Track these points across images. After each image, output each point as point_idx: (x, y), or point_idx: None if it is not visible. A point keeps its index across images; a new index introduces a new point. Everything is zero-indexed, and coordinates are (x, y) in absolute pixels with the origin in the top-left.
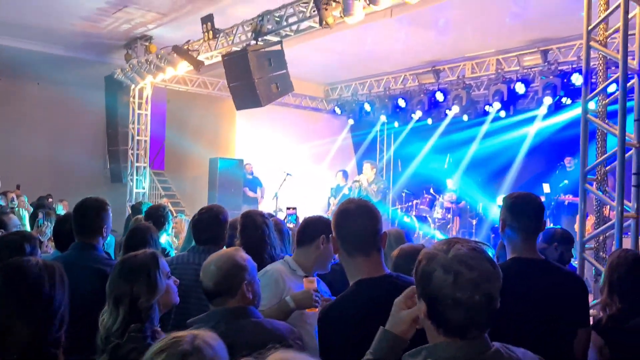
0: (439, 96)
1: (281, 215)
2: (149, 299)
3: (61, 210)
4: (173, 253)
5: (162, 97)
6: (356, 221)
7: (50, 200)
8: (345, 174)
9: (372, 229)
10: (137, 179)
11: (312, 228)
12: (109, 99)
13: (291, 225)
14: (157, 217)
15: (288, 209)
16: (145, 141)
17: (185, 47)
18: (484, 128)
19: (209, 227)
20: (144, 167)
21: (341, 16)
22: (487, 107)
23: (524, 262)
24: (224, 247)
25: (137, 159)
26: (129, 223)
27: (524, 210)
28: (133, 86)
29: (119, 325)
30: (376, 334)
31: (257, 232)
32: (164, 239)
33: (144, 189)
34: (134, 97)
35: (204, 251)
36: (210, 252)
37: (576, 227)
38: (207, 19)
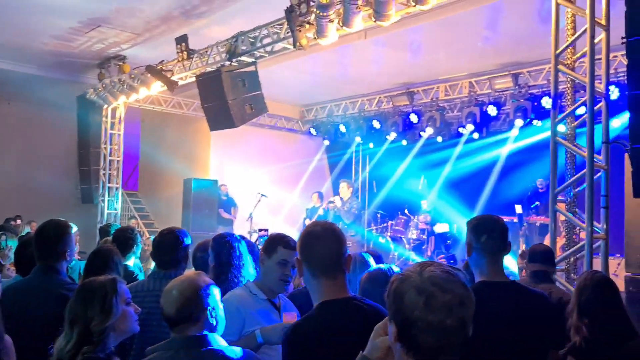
0: (413, 118)
1: (254, 237)
2: (102, 323)
3: (29, 232)
4: (143, 277)
5: (136, 117)
6: (321, 244)
7: (19, 221)
8: (320, 195)
9: (336, 252)
10: (109, 200)
11: (262, 248)
12: (81, 118)
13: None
14: (125, 239)
15: (260, 230)
16: (118, 161)
17: (159, 67)
18: (458, 149)
19: (169, 250)
20: (116, 188)
21: (315, 38)
22: (460, 129)
23: (492, 285)
24: (187, 270)
25: (110, 179)
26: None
27: (488, 232)
28: (106, 106)
29: (71, 347)
30: (339, 356)
31: (229, 255)
32: (132, 262)
33: (116, 210)
34: (106, 117)
35: (165, 276)
36: (171, 277)
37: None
38: (182, 40)
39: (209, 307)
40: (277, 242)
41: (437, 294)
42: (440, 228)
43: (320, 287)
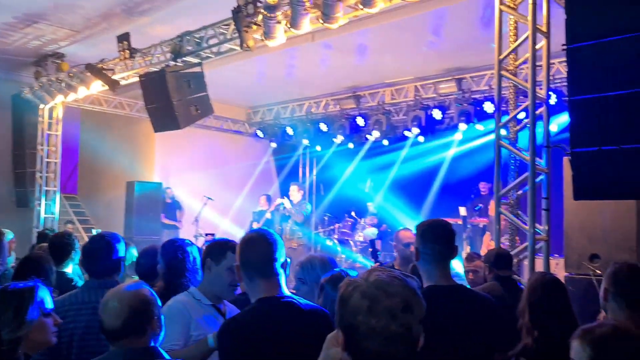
0: (360, 121)
1: (201, 241)
2: (13, 332)
3: None
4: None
5: (75, 117)
6: (255, 249)
7: None
8: (269, 198)
9: (270, 256)
10: (46, 204)
11: (204, 252)
12: (16, 118)
13: None
14: (63, 245)
15: (207, 234)
16: (56, 163)
17: (100, 66)
18: (404, 152)
19: (101, 257)
20: (54, 191)
21: (262, 39)
22: (406, 132)
23: (441, 289)
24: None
25: (47, 182)
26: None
27: (436, 237)
28: (42, 105)
29: None
30: (274, 348)
31: (183, 260)
32: (70, 269)
33: (53, 214)
34: (43, 117)
35: (100, 286)
36: (107, 286)
37: (487, 247)
38: (124, 38)
39: (155, 317)
40: (225, 247)
41: (382, 298)
42: (369, 232)
43: (256, 287)
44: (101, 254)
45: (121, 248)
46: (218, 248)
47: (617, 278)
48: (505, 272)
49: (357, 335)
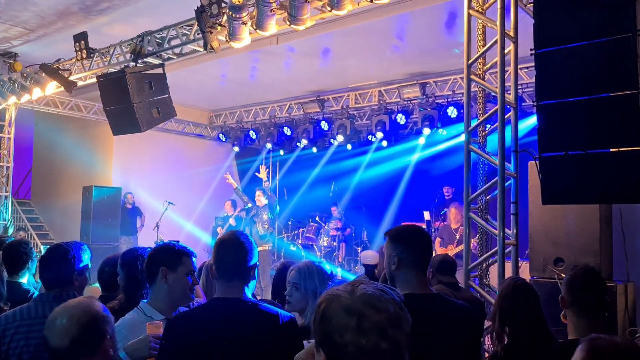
0: (324, 125)
1: None
2: None
3: None
4: None
5: (28, 119)
6: (228, 251)
7: None
8: (234, 203)
9: (240, 259)
10: None
11: (151, 261)
12: None
13: None
14: (18, 254)
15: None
16: (8, 167)
17: (55, 66)
18: (368, 157)
19: (57, 267)
20: (6, 196)
21: (227, 40)
22: (370, 137)
23: (420, 298)
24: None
25: None
26: None
27: (414, 244)
28: None
29: None
30: (219, 345)
31: (140, 272)
32: (26, 279)
33: (5, 220)
34: None
35: (55, 299)
36: (62, 299)
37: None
38: (80, 37)
39: (108, 337)
40: (179, 253)
41: (370, 314)
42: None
43: (217, 288)
44: (57, 264)
45: (84, 257)
46: (172, 255)
47: (573, 286)
48: (447, 278)
49: (343, 356)
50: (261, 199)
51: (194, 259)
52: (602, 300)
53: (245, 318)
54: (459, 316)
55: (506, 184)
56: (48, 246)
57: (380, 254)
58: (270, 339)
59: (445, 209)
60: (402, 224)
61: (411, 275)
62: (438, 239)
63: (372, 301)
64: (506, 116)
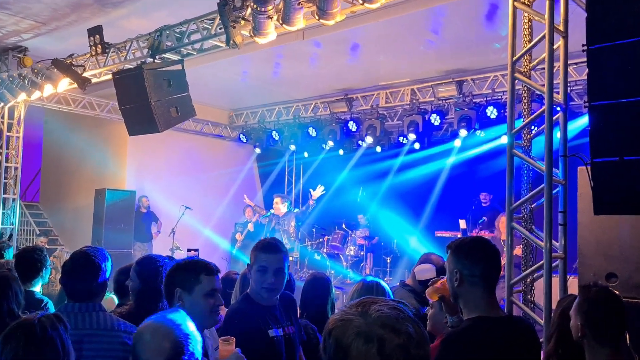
0: (352, 126)
1: (180, 255)
2: None
3: None
4: (52, 306)
5: (38, 118)
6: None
7: None
8: (254, 210)
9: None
10: (3, 213)
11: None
12: None
13: None
14: (32, 262)
15: (189, 250)
16: (16, 168)
17: (68, 61)
18: (399, 160)
19: (84, 279)
20: (13, 199)
21: (251, 35)
22: (401, 139)
23: (493, 322)
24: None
25: (5, 189)
26: None
27: (485, 259)
28: (2, 104)
29: None
30: None
31: (156, 282)
32: (39, 288)
33: (12, 224)
34: (2, 117)
35: (82, 310)
36: (90, 311)
37: None
38: (95, 31)
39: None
40: (197, 270)
41: (390, 338)
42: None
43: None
44: (86, 275)
45: (109, 267)
46: (188, 273)
47: (593, 313)
48: None
49: None
50: (279, 207)
51: (216, 276)
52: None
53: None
54: (529, 339)
55: (553, 191)
56: (67, 252)
57: (440, 269)
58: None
59: (484, 217)
60: (437, 234)
61: (479, 295)
62: None
63: (390, 323)
64: (554, 117)
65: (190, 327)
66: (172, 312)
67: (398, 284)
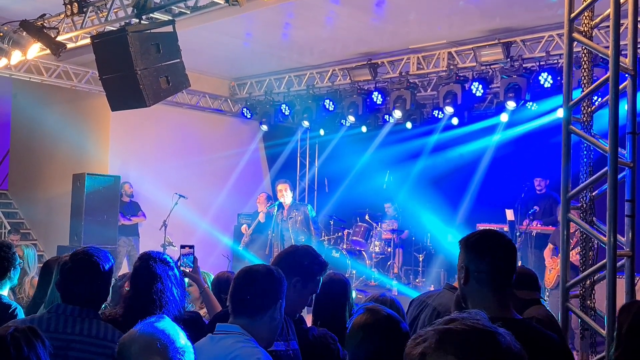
0: (377, 97)
1: (172, 252)
2: None
3: None
4: (22, 312)
5: (5, 91)
6: None
7: None
8: (268, 198)
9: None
10: None
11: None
12: None
13: (188, 270)
14: None
15: (183, 247)
16: None
17: (39, 23)
18: (433, 139)
19: (89, 280)
20: None
21: None
22: (436, 113)
23: (504, 324)
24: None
25: None
26: None
27: (493, 254)
28: None
29: None
30: None
31: (153, 285)
32: (7, 292)
33: None
34: None
35: (74, 314)
36: (82, 317)
37: (547, 262)
38: None
39: None
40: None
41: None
42: None
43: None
44: (86, 277)
45: (108, 269)
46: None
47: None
48: (526, 294)
49: None
50: (285, 195)
51: None
52: None
53: None
54: (544, 347)
55: (619, 176)
56: (27, 249)
57: None
58: None
59: (536, 207)
60: (478, 227)
61: (485, 294)
62: (550, 246)
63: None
64: (620, 87)
65: (182, 339)
66: (159, 320)
67: (444, 286)
